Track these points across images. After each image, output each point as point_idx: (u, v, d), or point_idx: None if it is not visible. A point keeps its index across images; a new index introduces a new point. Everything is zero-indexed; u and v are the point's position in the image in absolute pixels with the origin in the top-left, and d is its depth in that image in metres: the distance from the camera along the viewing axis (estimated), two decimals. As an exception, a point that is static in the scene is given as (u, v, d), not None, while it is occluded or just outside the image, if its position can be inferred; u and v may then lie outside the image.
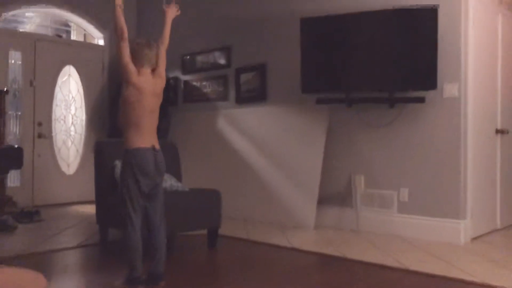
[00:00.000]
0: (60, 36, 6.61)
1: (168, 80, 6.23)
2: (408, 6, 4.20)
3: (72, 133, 6.54)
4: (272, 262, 3.55)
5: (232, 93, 5.80)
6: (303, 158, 4.90)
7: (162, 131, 5.32)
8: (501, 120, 4.76)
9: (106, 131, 6.62)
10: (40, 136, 6.11)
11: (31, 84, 6.05)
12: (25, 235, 4.38)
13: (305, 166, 4.87)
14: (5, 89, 5.45)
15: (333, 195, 4.82)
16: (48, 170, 6.19)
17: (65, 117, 6.47)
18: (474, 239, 4.17)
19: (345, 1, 4.71)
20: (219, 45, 5.92)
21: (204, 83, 6.15)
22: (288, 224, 4.84)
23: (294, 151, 5.00)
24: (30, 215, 4.96)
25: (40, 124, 6.12)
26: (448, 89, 4.11)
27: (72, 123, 6.54)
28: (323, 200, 4.81)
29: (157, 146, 2.76)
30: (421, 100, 4.17)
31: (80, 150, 6.54)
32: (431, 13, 4.03)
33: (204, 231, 3.93)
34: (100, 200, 3.98)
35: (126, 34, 2.68)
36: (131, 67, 2.69)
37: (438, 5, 4.04)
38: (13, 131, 5.99)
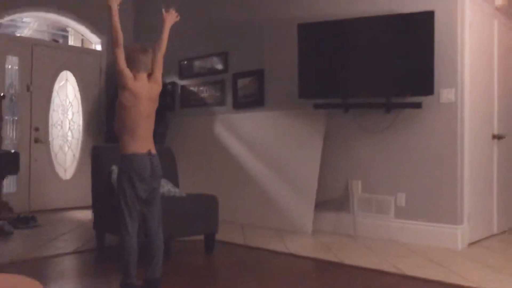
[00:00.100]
0: (57, 41, 6.61)
1: (165, 85, 6.27)
2: (405, 12, 4.21)
3: (69, 138, 6.52)
4: (269, 268, 3.54)
5: (229, 98, 5.80)
6: (301, 163, 4.90)
7: (159, 136, 5.33)
8: (498, 125, 4.77)
9: (103, 136, 6.61)
10: (37, 141, 6.10)
11: (28, 89, 6.04)
12: (21, 240, 4.36)
13: (302, 171, 4.87)
14: (2, 94, 5.44)
15: (330, 200, 4.82)
16: (45, 175, 6.17)
17: (62, 122, 6.46)
18: (471, 244, 4.18)
19: (342, 7, 4.73)
20: (217, 50, 5.93)
21: (201, 88, 6.16)
22: (285, 229, 4.83)
23: (291, 156, 5.00)
24: (27, 220, 4.94)
25: (37, 129, 6.11)
26: (445, 94, 4.13)
27: (69, 128, 6.53)
28: (321, 205, 4.81)
29: (153, 151, 2.76)
30: (418, 105, 4.18)
31: (77, 155, 6.53)
32: (428, 18, 4.05)
33: (201, 237, 3.93)
34: (97, 205, 3.97)
35: (121, 40, 2.69)
36: (127, 72, 2.69)
37: (434, 10, 4.06)
38: (10, 136, 5.98)
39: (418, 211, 4.25)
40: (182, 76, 6.39)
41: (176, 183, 4.20)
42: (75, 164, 6.50)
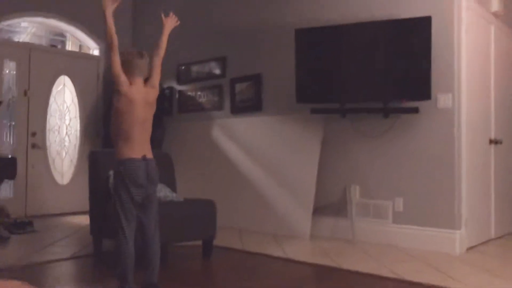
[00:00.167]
0: (55, 46, 6.61)
1: (163, 90, 6.27)
2: (402, 17, 4.23)
3: (66, 143, 6.52)
4: (267, 273, 3.53)
5: (227, 103, 5.81)
6: (298, 167, 4.90)
7: (156, 141, 5.33)
8: (495, 130, 4.79)
9: (100, 141, 6.60)
10: (34, 146, 6.09)
11: (25, 94, 6.04)
12: (18, 246, 4.35)
13: (300, 176, 4.87)
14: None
15: (328, 205, 4.82)
16: (42, 181, 6.15)
17: (59, 127, 6.45)
18: (469, 249, 4.18)
19: (339, 12, 4.75)
20: (214, 55, 5.94)
21: (199, 93, 6.16)
22: (283, 234, 4.82)
23: (289, 161, 5.00)
24: (23, 225, 4.92)
25: (34, 134, 6.10)
26: (442, 99, 4.14)
27: (66, 133, 6.52)
28: (318, 210, 4.80)
29: (150, 156, 2.75)
30: (415, 110, 4.19)
31: (74, 161, 6.52)
32: (425, 24, 4.06)
33: (199, 242, 3.91)
34: (94, 210, 3.96)
35: (116, 44, 2.68)
36: (122, 77, 2.69)
37: (431, 16, 4.08)
38: (7, 141, 5.96)
39: (416, 216, 4.25)
40: (180, 81, 6.39)
41: (173, 188, 4.19)
42: (72, 169, 6.49)
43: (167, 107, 6.43)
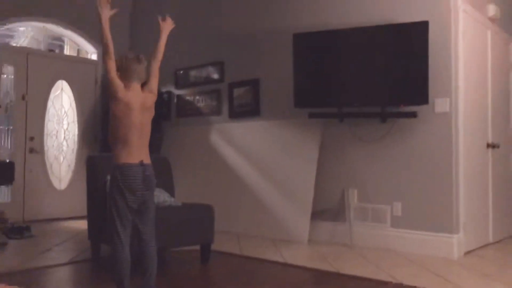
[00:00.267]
0: (53, 51, 6.61)
1: (161, 94, 6.28)
2: (399, 22, 4.25)
3: (64, 148, 6.51)
4: (265, 278, 3.53)
5: (225, 108, 5.81)
6: (296, 172, 4.90)
7: (154, 145, 5.32)
8: (492, 134, 4.80)
9: (98, 145, 6.60)
10: (32, 151, 6.08)
11: (23, 98, 6.03)
12: (16, 251, 4.33)
13: (298, 180, 4.87)
14: (-3, 104, 5.44)
15: (327, 209, 4.82)
16: (40, 185, 6.14)
17: (57, 131, 6.44)
18: (467, 253, 4.18)
19: (337, 17, 4.77)
20: (212, 59, 5.95)
21: (197, 97, 6.16)
22: (281, 238, 4.82)
23: (287, 165, 5.01)
24: (21, 230, 4.91)
25: (32, 138, 6.09)
26: (440, 104, 4.15)
27: (64, 138, 6.51)
28: (316, 215, 4.80)
29: (147, 161, 2.73)
30: (413, 114, 4.20)
31: (72, 165, 6.51)
32: (422, 28, 4.08)
33: (197, 247, 3.91)
34: (92, 215, 3.95)
35: (112, 50, 2.68)
36: (118, 82, 2.68)
37: (428, 21, 4.10)
38: (5, 145, 5.95)
39: (414, 220, 4.26)
40: (178, 85, 6.40)
41: (172, 193, 4.19)
42: (70, 174, 6.48)
43: (165, 111, 6.43)
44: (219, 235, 4.17)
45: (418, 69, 4.10)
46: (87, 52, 6.85)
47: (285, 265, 3.84)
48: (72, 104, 6.55)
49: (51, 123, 6.37)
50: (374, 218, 4.51)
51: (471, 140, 4.36)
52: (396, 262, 3.87)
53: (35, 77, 6.14)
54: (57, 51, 6.71)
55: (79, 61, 6.75)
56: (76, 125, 6.57)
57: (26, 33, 6.50)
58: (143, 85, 2.80)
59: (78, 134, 6.57)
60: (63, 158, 6.49)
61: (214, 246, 3.97)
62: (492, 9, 4.79)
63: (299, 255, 4.18)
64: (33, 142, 6.10)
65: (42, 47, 6.57)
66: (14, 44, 6.31)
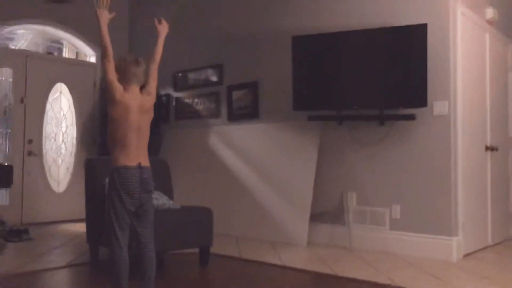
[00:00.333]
0: (51, 54, 6.61)
1: (160, 97, 6.28)
2: (398, 25, 4.26)
3: (63, 150, 6.50)
4: (264, 281, 3.52)
5: (224, 110, 5.81)
6: (295, 175, 4.90)
7: (153, 148, 5.32)
8: (491, 137, 4.81)
9: (97, 148, 6.59)
10: (30, 153, 6.07)
11: (21, 101, 6.03)
12: (14, 254, 4.32)
13: (297, 183, 4.87)
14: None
15: (325, 212, 4.81)
16: (38, 188, 6.13)
17: (55, 134, 6.44)
18: (466, 255, 4.18)
19: (336, 20, 4.77)
20: (211, 62, 5.95)
21: (196, 100, 6.16)
22: (280, 241, 4.82)
23: (286, 168, 5.00)
24: (19, 233, 4.90)
25: (30, 141, 6.08)
26: (438, 106, 4.15)
27: (62, 140, 6.50)
28: (315, 217, 4.80)
29: (145, 164, 2.73)
30: (412, 117, 4.20)
31: (71, 168, 6.50)
32: (420, 31, 4.09)
33: (196, 250, 3.90)
34: (91, 218, 3.94)
35: (110, 52, 2.68)
36: (116, 84, 2.69)
37: (427, 23, 4.10)
38: (3, 148, 5.94)
39: (413, 223, 4.25)
40: (176, 88, 6.40)
41: (170, 196, 4.18)
42: (68, 177, 6.47)
43: (164, 114, 6.43)
44: (218, 238, 4.17)
45: (416, 72, 4.10)
46: (86, 55, 6.85)
47: (284, 268, 3.84)
48: (71, 106, 6.54)
49: (49, 126, 6.36)
50: (373, 221, 4.51)
51: (470, 143, 4.36)
52: (395, 265, 3.86)
53: (34, 79, 6.13)
54: (55, 54, 6.71)
55: (78, 64, 6.75)
56: (75, 128, 6.57)
57: (25, 36, 6.50)
58: (142, 87, 2.81)
59: (76, 137, 6.57)
60: (62, 161, 6.48)
61: (213, 249, 3.96)
62: (490, 12, 4.80)
63: (298, 258, 4.17)
64: (32, 145, 6.09)
65: (40, 49, 6.57)
66: (13, 47, 6.31)
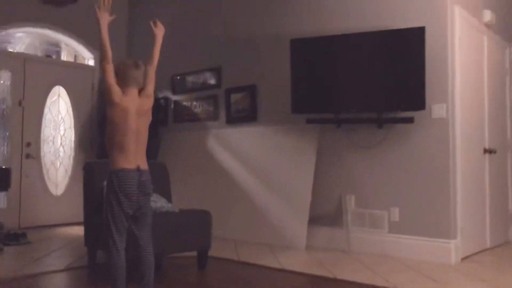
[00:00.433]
0: (50, 56, 6.61)
1: (158, 100, 6.28)
2: (396, 28, 4.26)
3: (61, 153, 6.49)
4: (263, 284, 3.51)
5: (222, 113, 5.81)
6: (294, 178, 4.90)
7: (151, 151, 5.31)
8: (489, 140, 4.81)
9: (95, 151, 6.58)
10: (28, 156, 6.06)
11: (20, 104, 6.02)
12: (12, 257, 4.30)
13: (295, 186, 4.86)
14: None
15: (324, 215, 4.81)
16: (36, 191, 6.11)
17: (54, 137, 6.43)
18: (465, 258, 4.18)
19: (334, 23, 4.78)
20: (210, 65, 5.95)
21: (194, 103, 6.17)
22: (278, 244, 4.81)
23: (284, 171, 5.00)
24: (17, 237, 4.88)
25: (28, 144, 6.07)
26: (436, 109, 4.16)
27: (61, 143, 6.49)
28: (314, 220, 4.80)
29: (143, 167, 2.73)
30: (410, 120, 4.20)
31: (69, 171, 6.49)
32: (419, 34, 4.09)
33: (194, 253, 3.89)
34: (89, 221, 3.93)
35: (110, 54, 2.68)
36: (115, 88, 2.69)
37: (425, 26, 4.11)
38: (1, 151, 5.93)
39: (412, 226, 4.25)
40: (175, 91, 6.40)
41: (169, 198, 4.18)
42: (66, 180, 6.46)
43: (162, 117, 6.43)
44: (216, 241, 4.16)
45: (415, 75, 4.11)
46: (84, 58, 6.85)
47: (282, 271, 3.83)
48: (69, 109, 6.54)
49: (47, 129, 6.35)
50: (371, 224, 4.51)
51: (468, 146, 4.37)
52: (393, 268, 3.86)
53: (32, 82, 6.13)
54: (54, 56, 6.70)
55: (76, 66, 6.74)
56: (73, 131, 6.56)
57: (23, 39, 6.49)
58: (140, 90, 2.81)
59: (75, 140, 6.56)
60: (60, 164, 6.47)
61: (211, 252, 3.95)
62: (487, 15, 4.82)
63: (296, 261, 4.17)
64: (30, 148, 6.08)
65: (39, 52, 6.57)
66: (11, 50, 6.30)
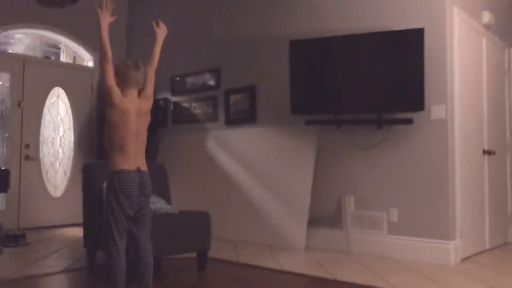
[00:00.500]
0: (49, 58, 6.61)
1: (157, 101, 6.28)
2: (395, 29, 4.27)
3: (60, 155, 6.48)
4: (262, 285, 3.51)
5: (221, 115, 5.82)
6: (293, 179, 4.90)
7: (151, 152, 5.31)
8: (488, 141, 4.82)
9: (94, 153, 6.58)
10: (27, 158, 6.05)
11: (19, 105, 6.02)
12: (11, 259, 4.30)
13: (295, 187, 4.86)
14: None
15: (323, 216, 4.81)
16: (35, 193, 6.11)
17: (53, 139, 6.42)
18: (464, 259, 4.18)
19: (333, 24, 4.79)
20: (209, 66, 5.96)
21: (193, 104, 6.17)
22: (278, 245, 4.81)
23: (283, 172, 5.00)
24: (16, 238, 4.88)
25: (27, 146, 6.07)
26: (435, 110, 4.16)
27: (60, 145, 6.49)
28: (313, 221, 4.79)
29: (143, 168, 2.73)
30: (409, 121, 4.21)
31: (68, 172, 6.48)
32: (418, 35, 4.10)
33: (193, 254, 3.89)
34: (88, 223, 3.93)
35: (110, 55, 2.68)
36: (115, 89, 2.68)
37: (424, 28, 4.12)
38: (0, 152, 5.93)
39: (411, 227, 4.25)
40: (174, 92, 6.40)
41: (168, 200, 4.17)
42: (65, 181, 6.45)
43: (162, 118, 6.43)
44: (215, 242, 4.16)
45: (414, 76, 4.11)
46: (83, 59, 6.85)
47: (282, 272, 3.83)
48: (68, 111, 6.54)
49: (47, 130, 6.35)
50: (370, 225, 4.51)
51: (467, 147, 4.37)
52: (392, 269, 3.86)
53: (31, 84, 6.13)
54: (53, 58, 6.70)
55: (75, 68, 6.74)
56: (72, 132, 6.56)
57: (22, 40, 6.49)
58: (140, 91, 2.80)
59: (74, 141, 6.56)
60: (59, 165, 6.47)
61: (211, 254, 3.95)
62: (486, 16, 4.83)
63: (296, 262, 4.17)
64: (29, 149, 6.08)
65: (38, 54, 6.56)
66: (10, 51, 6.30)
